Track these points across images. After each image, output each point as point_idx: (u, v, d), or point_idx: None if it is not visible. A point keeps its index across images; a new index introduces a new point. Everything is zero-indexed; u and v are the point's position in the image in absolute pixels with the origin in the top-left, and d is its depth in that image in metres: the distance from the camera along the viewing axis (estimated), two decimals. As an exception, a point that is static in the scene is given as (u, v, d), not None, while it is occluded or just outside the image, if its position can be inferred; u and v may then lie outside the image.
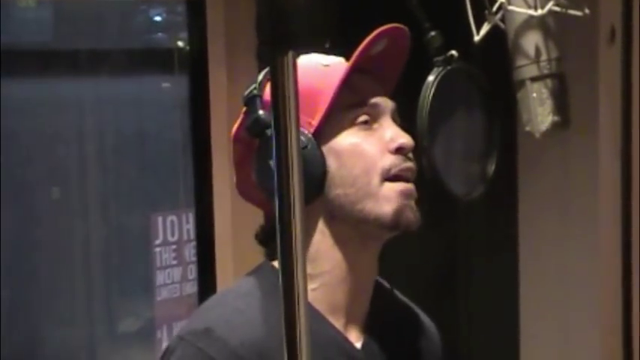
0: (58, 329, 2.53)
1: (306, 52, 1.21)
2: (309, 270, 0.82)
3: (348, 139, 1.18)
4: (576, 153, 2.34)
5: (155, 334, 2.56)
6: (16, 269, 2.41)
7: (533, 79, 1.61)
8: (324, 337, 1.16)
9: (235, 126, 1.24)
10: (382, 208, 1.16)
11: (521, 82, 1.63)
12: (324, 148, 1.17)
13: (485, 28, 1.64)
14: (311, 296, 0.79)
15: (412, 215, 1.17)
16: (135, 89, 2.64)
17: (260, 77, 1.20)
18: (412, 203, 1.17)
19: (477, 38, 1.65)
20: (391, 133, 1.19)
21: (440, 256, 2.60)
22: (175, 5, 2.64)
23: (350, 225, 1.18)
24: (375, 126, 1.19)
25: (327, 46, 1.19)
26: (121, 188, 2.63)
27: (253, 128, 1.18)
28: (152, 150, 2.68)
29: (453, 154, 1.47)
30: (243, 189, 1.27)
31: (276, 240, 0.78)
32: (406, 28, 1.21)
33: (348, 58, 1.20)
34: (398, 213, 1.16)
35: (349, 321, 1.21)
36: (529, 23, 1.61)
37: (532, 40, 1.61)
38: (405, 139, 1.18)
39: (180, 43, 2.49)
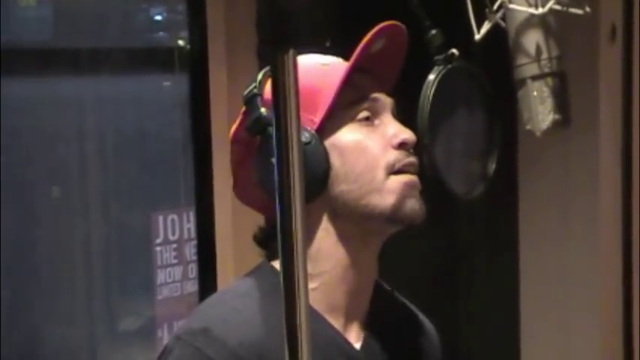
0: (58, 328, 2.53)
1: (307, 51, 1.21)
2: (309, 269, 0.82)
3: (350, 136, 1.18)
4: (577, 152, 2.34)
5: (156, 333, 2.56)
6: (16, 268, 2.40)
7: (534, 78, 1.61)
8: (323, 338, 1.16)
9: (233, 127, 1.24)
10: (388, 201, 1.16)
11: (522, 81, 1.63)
12: (327, 145, 1.17)
13: (486, 26, 1.64)
14: (310, 296, 0.79)
15: (418, 207, 1.18)
16: (135, 88, 2.64)
17: (260, 76, 1.20)
18: (417, 195, 1.18)
19: (477, 37, 1.65)
20: (394, 129, 1.19)
21: (440, 256, 2.60)
22: (176, 4, 2.64)
23: (353, 222, 1.18)
24: (377, 122, 1.20)
25: (327, 44, 1.19)
26: (122, 187, 2.63)
27: (255, 127, 1.18)
28: (153, 149, 2.68)
29: (453, 153, 1.47)
30: (241, 191, 1.27)
31: (277, 240, 0.78)
32: (404, 26, 1.21)
33: (348, 58, 1.21)
34: (404, 204, 1.16)
35: (348, 321, 1.21)
36: (530, 22, 1.61)
37: (533, 39, 1.61)
38: (407, 134, 1.19)
39: (180, 42, 2.49)
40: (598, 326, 2.33)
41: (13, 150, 2.35)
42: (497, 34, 1.65)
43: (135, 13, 2.74)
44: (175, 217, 2.56)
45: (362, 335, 1.22)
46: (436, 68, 1.44)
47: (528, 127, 1.65)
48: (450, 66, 1.45)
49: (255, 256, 1.26)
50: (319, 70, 1.21)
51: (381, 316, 1.25)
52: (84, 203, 2.56)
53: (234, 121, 1.24)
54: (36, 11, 2.55)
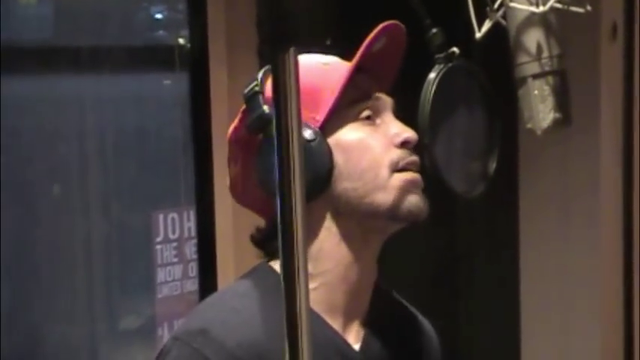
0: (58, 326, 2.53)
1: (308, 49, 1.21)
2: (309, 269, 0.82)
3: (353, 134, 1.19)
4: (577, 150, 2.34)
5: (156, 332, 2.56)
6: (16, 267, 2.40)
7: (535, 76, 1.60)
8: (322, 339, 1.15)
9: (232, 127, 1.24)
10: (392, 198, 1.16)
11: (523, 80, 1.63)
12: (330, 143, 1.17)
13: (486, 25, 1.64)
14: (310, 296, 0.79)
15: (422, 204, 1.18)
16: (136, 86, 2.64)
17: (260, 74, 1.20)
18: (420, 192, 1.19)
19: (478, 35, 1.65)
20: (396, 128, 1.20)
21: (440, 255, 2.60)
22: (176, 3, 2.64)
23: (356, 220, 1.18)
24: (378, 121, 1.21)
25: (328, 43, 1.19)
26: (122, 185, 2.63)
27: (257, 124, 1.18)
28: (153, 147, 2.68)
29: (454, 152, 1.46)
30: (239, 192, 1.27)
31: (277, 239, 0.78)
32: (404, 26, 1.22)
33: (349, 56, 1.21)
34: (408, 202, 1.17)
35: (348, 322, 1.21)
36: (531, 20, 1.61)
37: (534, 37, 1.60)
38: (409, 133, 1.20)
39: (181, 41, 2.49)
40: (598, 326, 2.33)
41: (14, 148, 2.35)
42: (498, 32, 1.65)
43: (135, 12, 2.74)
44: (176, 215, 2.55)
45: (361, 336, 1.22)
46: (437, 67, 1.44)
47: (529, 125, 1.65)
48: (450, 65, 1.44)
49: (255, 255, 1.26)
50: (320, 70, 1.21)
51: (380, 317, 1.25)
52: (84, 202, 2.56)
53: (233, 121, 1.24)
54: (36, 9, 2.55)
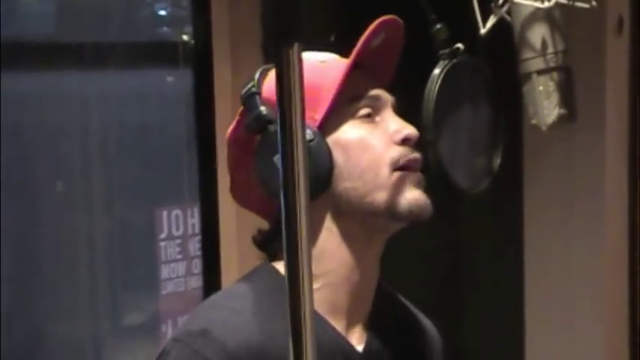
0: (62, 323, 2.53)
1: (312, 46, 1.20)
2: (312, 270, 0.81)
3: (353, 133, 1.18)
4: (582, 147, 2.32)
5: (160, 328, 2.56)
6: (20, 264, 2.40)
7: (540, 72, 1.60)
8: (325, 340, 1.14)
9: (230, 128, 1.23)
10: (394, 198, 1.15)
11: (528, 75, 1.62)
12: (329, 142, 1.16)
13: (491, 20, 1.64)
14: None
15: (424, 203, 1.17)
16: (139, 83, 2.64)
17: (257, 74, 1.20)
18: (422, 191, 1.17)
19: (483, 31, 1.64)
20: (396, 125, 1.19)
21: (444, 253, 2.59)
22: (180, -1, 2.64)
23: (357, 220, 1.17)
24: (378, 119, 1.20)
25: (332, 39, 1.19)
26: (126, 182, 2.62)
27: (254, 125, 1.17)
28: (156, 144, 2.68)
29: (458, 148, 1.46)
30: (239, 193, 1.26)
31: (279, 240, 0.77)
32: (401, 20, 1.21)
33: (351, 52, 1.20)
34: (410, 202, 1.16)
35: (351, 323, 1.20)
36: (535, 15, 1.61)
37: (538, 33, 1.60)
38: (410, 130, 1.19)
39: (184, 37, 2.49)
40: (603, 325, 2.32)
41: (16, 145, 2.35)
42: (503, 28, 1.65)
43: (139, 8, 2.74)
44: (179, 212, 2.55)
45: (364, 337, 1.21)
46: (441, 63, 1.44)
47: (534, 121, 1.65)
48: (455, 60, 1.44)
49: (258, 252, 1.25)
50: (317, 68, 1.20)
51: (383, 318, 1.24)
52: (88, 199, 2.56)
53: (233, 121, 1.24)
54: (39, 5, 2.55)
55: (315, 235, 1.17)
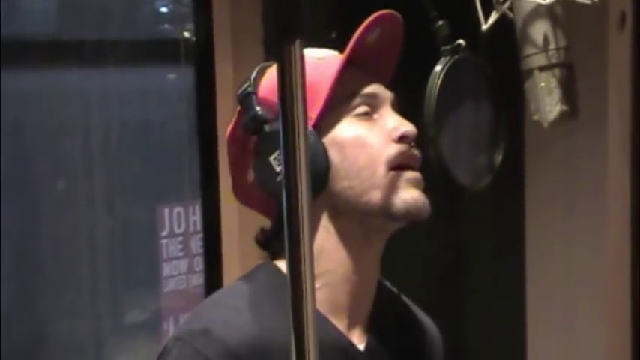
0: (63, 321, 2.53)
1: (313, 42, 1.20)
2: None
3: (349, 131, 1.16)
4: (584, 145, 2.31)
5: (161, 326, 2.56)
6: (21, 261, 2.40)
7: (541, 69, 1.60)
8: (326, 339, 1.13)
9: (229, 127, 1.23)
10: (390, 198, 1.14)
11: (529, 72, 1.62)
12: (326, 141, 1.15)
13: (493, 17, 1.63)
14: None
15: (422, 204, 1.15)
16: (140, 81, 2.64)
17: (253, 74, 1.19)
18: (421, 191, 1.16)
19: (484, 27, 1.64)
20: (393, 122, 1.17)
21: (445, 252, 2.59)
22: (181, -4, 2.64)
23: (355, 220, 1.16)
24: (376, 116, 1.18)
25: (333, 36, 1.18)
26: (127, 180, 2.62)
27: (250, 125, 1.17)
28: (158, 141, 2.68)
29: (459, 145, 1.46)
30: (240, 192, 1.26)
31: (280, 239, 0.77)
32: (399, 15, 1.20)
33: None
34: (407, 202, 1.14)
35: (352, 322, 1.19)
36: (537, 12, 1.60)
37: (540, 29, 1.60)
38: (408, 127, 1.17)
39: (186, 34, 2.49)
40: (605, 324, 2.31)
41: (17, 143, 2.35)
42: (505, 24, 1.64)
43: (140, 5, 2.74)
44: (181, 209, 2.55)
45: (365, 336, 1.21)
46: (443, 59, 1.44)
47: (535, 118, 1.64)
48: (456, 57, 1.44)
49: (260, 250, 1.25)
50: (315, 65, 1.18)
51: (384, 316, 1.24)
52: (89, 196, 2.56)
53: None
54: (40, 3, 2.54)
55: (313, 234, 1.17)
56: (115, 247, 2.63)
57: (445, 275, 2.59)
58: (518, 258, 2.50)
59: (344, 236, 1.17)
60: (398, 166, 1.16)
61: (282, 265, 1.19)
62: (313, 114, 1.15)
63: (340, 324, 1.18)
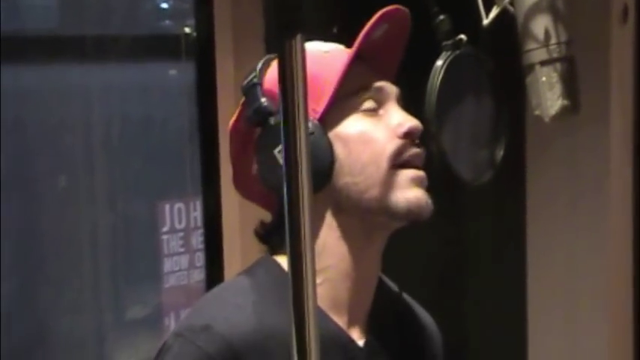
0: (65, 316, 2.53)
1: (314, 37, 1.19)
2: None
3: (354, 126, 1.16)
4: (586, 141, 2.31)
5: (163, 322, 2.56)
6: (23, 258, 2.41)
7: (543, 63, 1.59)
8: (326, 335, 1.13)
9: (232, 119, 1.22)
10: (393, 196, 1.14)
11: (531, 66, 1.61)
12: (330, 136, 1.15)
13: (494, 11, 1.62)
14: None
15: (424, 203, 1.15)
16: (141, 76, 2.64)
17: (259, 65, 1.18)
18: (424, 189, 1.16)
19: (485, 22, 1.63)
20: (399, 118, 1.17)
21: (446, 249, 2.58)
22: (182, -8, 2.64)
23: (358, 216, 1.16)
24: (381, 112, 1.17)
25: (334, 31, 1.18)
26: (128, 176, 2.62)
27: (255, 117, 1.16)
28: (159, 137, 2.68)
29: (461, 140, 1.46)
30: (241, 185, 1.25)
31: (281, 233, 0.77)
32: (407, 10, 1.19)
33: (353, 45, 1.19)
34: (410, 201, 1.14)
35: (352, 318, 1.19)
36: (539, 6, 1.60)
37: (541, 24, 1.59)
38: (413, 123, 1.16)
39: (187, 30, 2.48)
40: (607, 321, 2.30)
41: (18, 139, 2.35)
42: (506, 19, 1.64)
43: (141, 1, 2.74)
44: (182, 205, 2.55)
45: (365, 332, 1.20)
46: (444, 54, 1.43)
47: (537, 112, 1.64)
48: (457, 52, 1.44)
49: (261, 245, 1.25)
50: (320, 58, 1.17)
51: (384, 313, 1.23)
52: (90, 192, 2.56)
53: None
54: (42, -2, 2.55)
55: (315, 230, 1.16)
56: (116, 243, 2.63)
57: (445, 272, 2.59)
58: (520, 255, 2.49)
59: (346, 232, 1.17)
60: (402, 163, 1.15)
61: (281, 260, 1.19)
62: (319, 107, 1.15)
63: (340, 320, 1.18)
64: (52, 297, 2.49)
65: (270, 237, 1.21)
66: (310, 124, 1.12)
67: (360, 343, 1.19)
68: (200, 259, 2.56)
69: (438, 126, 1.38)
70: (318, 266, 1.14)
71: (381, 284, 1.24)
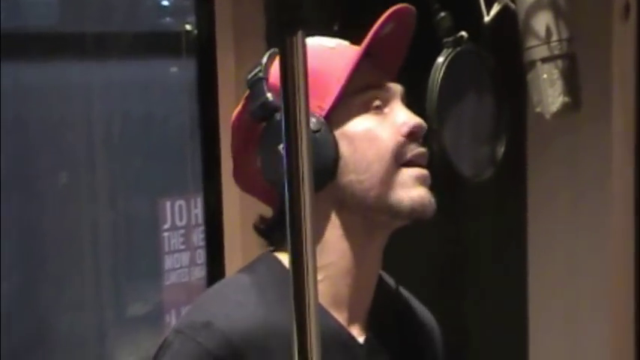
0: (66, 313, 2.53)
1: (315, 34, 1.19)
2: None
3: (360, 124, 1.15)
4: (588, 138, 2.30)
5: (163, 319, 2.56)
6: (24, 255, 2.40)
7: (544, 60, 1.59)
8: (326, 332, 1.13)
9: (235, 112, 1.22)
10: (397, 195, 1.14)
11: (532, 63, 1.61)
12: (336, 133, 1.14)
13: (495, 8, 1.62)
14: None
15: (428, 202, 1.15)
16: (142, 73, 2.63)
17: (264, 59, 1.18)
18: (427, 189, 1.16)
19: (487, 19, 1.63)
20: (404, 117, 1.17)
21: (447, 247, 2.58)
22: (183, -12, 2.63)
23: (360, 214, 1.16)
24: (386, 110, 1.17)
25: (335, 28, 1.17)
26: (129, 173, 2.62)
27: (260, 112, 1.15)
28: (160, 134, 2.67)
29: (462, 136, 1.46)
30: (242, 179, 1.25)
31: (282, 229, 0.76)
32: (414, 9, 1.19)
33: (356, 42, 1.19)
34: (414, 199, 1.14)
35: (352, 315, 1.19)
36: (540, 3, 1.59)
37: (543, 20, 1.59)
38: (417, 122, 1.16)
39: (188, 27, 2.48)
40: (608, 320, 2.30)
41: (18, 136, 2.35)
42: (507, 15, 1.63)
43: (142, -2, 2.74)
44: (183, 202, 2.55)
45: (365, 330, 1.20)
46: (445, 51, 1.43)
47: (538, 109, 1.64)
48: (458, 49, 1.44)
49: (262, 242, 1.25)
50: (326, 54, 1.17)
51: (385, 311, 1.23)
52: (91, 189, 2.56)
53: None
54: (42, -5, 2.54)
55: (317, 226, 1.16)
56: (117, 241, 2.63)
57: (446, 270, 2.58)
58: (520, 254, 2.49)
59: (347, 230, 1.17)
60: (406, 162, 1.15)
61: (282, 256, 1.19)
62: (326, 105, 1.14)
63: (341, 317, 1.18)
64: (52, 294, 2.49)
65: (271, 232, 1.21)
66: (316, 121, 1.12)
67: (361, 340, 1.19)
68: (201, 256, 2.56)
69: (438, 123, 1.38)
70: (319, 263, 1.14)
71: (381, 282, 1.23)
